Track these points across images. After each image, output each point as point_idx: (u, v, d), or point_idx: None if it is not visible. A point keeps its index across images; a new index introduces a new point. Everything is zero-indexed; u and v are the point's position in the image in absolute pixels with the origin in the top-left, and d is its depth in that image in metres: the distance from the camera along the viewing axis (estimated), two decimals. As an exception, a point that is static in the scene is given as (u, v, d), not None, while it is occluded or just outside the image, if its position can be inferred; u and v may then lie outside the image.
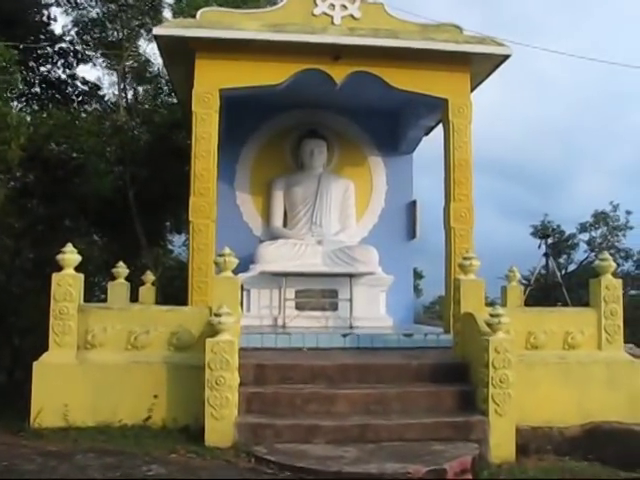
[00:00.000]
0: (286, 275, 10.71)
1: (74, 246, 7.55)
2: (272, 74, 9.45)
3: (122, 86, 16.44)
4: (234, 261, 7.52)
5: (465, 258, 7.97)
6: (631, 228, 26.75)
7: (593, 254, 27.04)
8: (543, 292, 10.82)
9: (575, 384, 7.64)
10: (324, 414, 6.79)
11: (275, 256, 11.20)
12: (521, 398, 6.93)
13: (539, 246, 12.97)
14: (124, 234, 16.57)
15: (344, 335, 9.01)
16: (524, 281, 11.17)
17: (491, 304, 8.84)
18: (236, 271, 11.04)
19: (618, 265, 26.76)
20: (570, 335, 7.86)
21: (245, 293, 11.04)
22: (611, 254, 26.14)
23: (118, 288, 10.42)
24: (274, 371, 7.28)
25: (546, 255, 10.45)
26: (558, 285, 10.63)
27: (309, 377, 7.25)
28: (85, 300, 7.67)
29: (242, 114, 12.01)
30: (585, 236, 27.09)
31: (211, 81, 9.34)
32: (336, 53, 9.46)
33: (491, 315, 6.95)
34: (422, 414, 6.86)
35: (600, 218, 26.95)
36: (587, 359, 7.80)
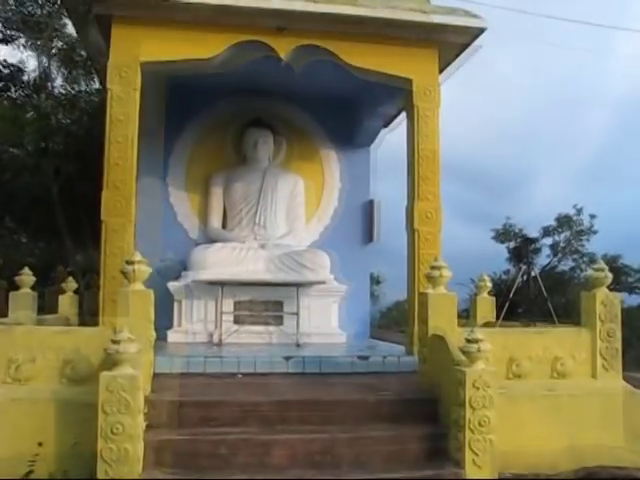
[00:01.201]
0: (223, 284, 9.23)
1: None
2: (203, 45, 7.90)
3: (47, 69, 14.71)
4: (145, 270, 6.00)
5: (433, 267, 6.54)
6: (595, 232, 25.76)
7: (556, 259, 26.07)
8: (525, 305, 9.59)
9: (566, 421, 6.30)
10: (256, 467, 5.31)
11: (211, 262, 9.74)
12: (502, 440, 5.55)
13: (516, 252, 11.72)
14: (52, 235, 15.00)
15: (287, 358, 7.51)
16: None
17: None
18: (168, 279, 9.73)
19: (581, 270, 25.86)
20: (559, 361, 6.51)
21: (176, 305, 9.63)
22: (574, 259, 24.56)
23: (21, 299, 8.83)
24: (194, 410, 5.75)
25: (528, 263, 9.16)
26: (543, 298, 9.35)
27: (239, 417, 5.75)
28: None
29: (176, 101, 10.58)
30: (548, 240, 25.99)
31: (130, 53, 7.77)
32: (281, 22, 7.97)
33: (467, 340, 5.55)
34: (381, 466, 5.42)
35: (564, 222, 25.91)
36: (580, 390, 6.45)
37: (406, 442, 5.61)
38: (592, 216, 25.65)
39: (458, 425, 5.45)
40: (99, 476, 4.97)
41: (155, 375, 6.41)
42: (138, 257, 5.99)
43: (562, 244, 26.07)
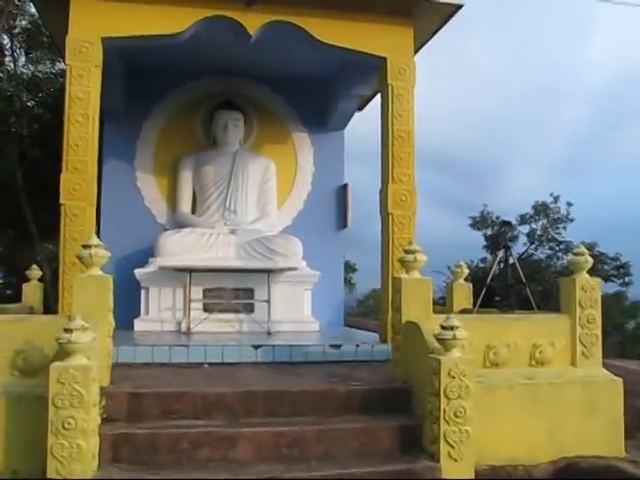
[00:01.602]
0: (192, 270, 8.90)
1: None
2: (169, 20, 7.56)
3: (10, 49, 14.19)
4: (103, 255, 5.65)
5: (407, 252, 6.25)
6: (572, 220, 25.67)
7: (533, 247, 25.97)
8: (502, 291, 9.37)
9: (545, 410, 6.04)
10: (220, 462, 4.99)
11: (179, 248, 9.39)
12: (479, 431, 5.29)
13: (493, 238, 11.47)
14: (20, 223, 14.56)
15: (256, 347, 7.21)
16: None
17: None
18: (135, 266, 9.40)
19: (558, 258, 25.76)
20: (538, 349, 6.26)
21: (143, 292, 9.30)
22: (551, 247, 24.45)
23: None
24: (155, 402, 5.42)
25: (506, 248, 8.92)
26: (521, 285, 9.13)
27: (202, 410, 5.43)
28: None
29: (143, 81, 10.34)
30: (525, 228, 25.86)
31: (91, 27, 7.40)
32: (249, -4, 7.65)
33: (442, 327, 5.27)
34: (351, 460, 5.12)
35: (540, 210, 25.79)
36: (559, 379, 6.20)
37: (378, 434, 5.33)
38: (569, 204, 25.59)
39: (433, 416, 5.18)
40: (49, 474, 4.60)
41: (117, 365, 6.09)
42: (95, 241, 5.63)
43: (539, 232, 25.98)
